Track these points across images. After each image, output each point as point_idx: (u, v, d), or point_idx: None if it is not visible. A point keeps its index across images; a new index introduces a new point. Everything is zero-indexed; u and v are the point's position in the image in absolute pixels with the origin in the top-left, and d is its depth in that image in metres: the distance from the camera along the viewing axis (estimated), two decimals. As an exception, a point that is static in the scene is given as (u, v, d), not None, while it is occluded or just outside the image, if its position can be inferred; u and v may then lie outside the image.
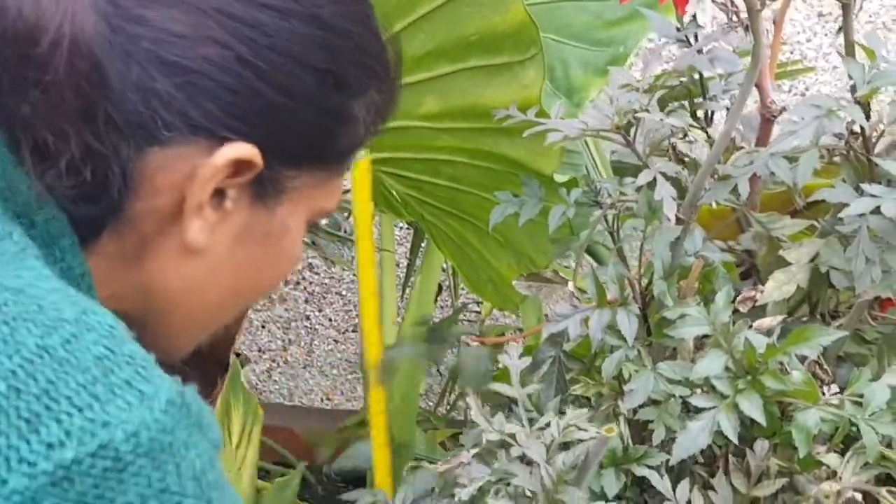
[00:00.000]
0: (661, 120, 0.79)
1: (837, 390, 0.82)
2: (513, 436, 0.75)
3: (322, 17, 0.58)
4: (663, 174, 0.77)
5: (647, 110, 0.78)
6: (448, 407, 2.29)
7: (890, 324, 0.90)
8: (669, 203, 0.75)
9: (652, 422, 0.77)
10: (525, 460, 0.72)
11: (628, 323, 0.77)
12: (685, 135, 0.86)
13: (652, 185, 0.78)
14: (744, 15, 0.78)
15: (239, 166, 0.57)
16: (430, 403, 2.38)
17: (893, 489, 0.75)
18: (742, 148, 0.92)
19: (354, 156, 0.65)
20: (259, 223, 0.61)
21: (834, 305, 0.94)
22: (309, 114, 0.59)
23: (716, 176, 0.81)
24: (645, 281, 0.82)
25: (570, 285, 0.85)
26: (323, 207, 0.65)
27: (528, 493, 0.70)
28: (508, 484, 0.71)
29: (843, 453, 0.79)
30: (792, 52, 2.06)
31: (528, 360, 0.80)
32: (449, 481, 0.82)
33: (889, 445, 0.76)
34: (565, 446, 0.72)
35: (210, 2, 0.55)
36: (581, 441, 0.72)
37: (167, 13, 0.54)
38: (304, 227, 0.65)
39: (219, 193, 0.58)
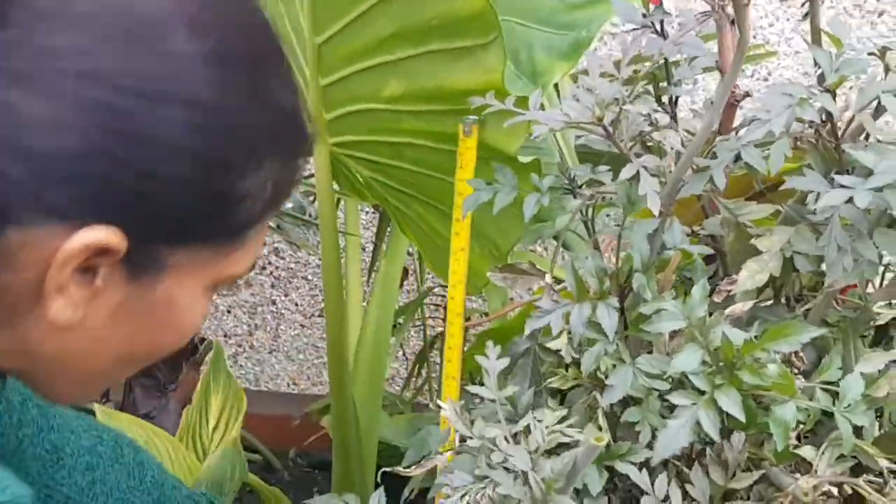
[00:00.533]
0: (648, 114, 0.78)
1: (798, 372, 0.82)
2: (493, 440, 0.74)
3: (200, 101, 0.55)
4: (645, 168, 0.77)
5: (630, 101, 0.77)
6: (414, 391, 2.29)
7: (851, 307, 0.91)
8: (653, 198, 0.75)
9: (636, 422, 0.76)
10: (506, 463, 0.71)
11: (608, 317, 0.76)
12: (670, 124, 0.86)
13: (634, 177, 0.77)
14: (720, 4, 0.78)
15: (100, 249, 0.55)
16: (396, 388, 2.38)
17: (870, 479, 0.75)
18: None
19: (255, 229, 0.62)
20: (139, 298, 0.59)
21: (798, 289, 0.95)
22: (182, 199, 0.56)
23: (693, 167, 0.81)
24: (622, 273, 0.82)
25: (548, 277, 0.84)
26: (227, 275, 0.62)
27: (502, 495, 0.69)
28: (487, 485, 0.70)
29: (810, 438, 0.80)
30: (754, 37, 2.07)
31: (506, 361, 0.79)
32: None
33: (860, 432, 0.77)
34: (549, 452, 0.72)
35: (72, 87, 0.53)
36: (564, 444, 0.72)
37: (24, 97, 0.52)
38: (205, 293, 0.62)
39: (89, 270, 0.56)
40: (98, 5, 0.54)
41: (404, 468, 0.85)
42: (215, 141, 0.56)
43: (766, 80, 2.15)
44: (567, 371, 0.84)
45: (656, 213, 0.77)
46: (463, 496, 0.69)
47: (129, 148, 0.53)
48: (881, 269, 0.93)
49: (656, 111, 0.91)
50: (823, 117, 0.84)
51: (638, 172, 0.77)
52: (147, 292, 0.59)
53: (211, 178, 0.57)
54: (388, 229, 1.86)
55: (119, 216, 0.54)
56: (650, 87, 0.95)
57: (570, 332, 0.87)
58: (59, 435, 0.80)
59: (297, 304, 2.38)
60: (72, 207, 0.53)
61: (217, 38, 0.56)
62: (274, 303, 2.38)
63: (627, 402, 0.79)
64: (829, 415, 0.77)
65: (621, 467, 0.74)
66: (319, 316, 2.39)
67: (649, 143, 0.93)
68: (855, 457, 0.77)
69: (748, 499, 0.78)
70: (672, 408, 0.75)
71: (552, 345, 0.85)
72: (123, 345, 0.61)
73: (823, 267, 0.88)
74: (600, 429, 0.78)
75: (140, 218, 0.55)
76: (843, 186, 0.74)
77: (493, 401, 0.78)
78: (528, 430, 0.75)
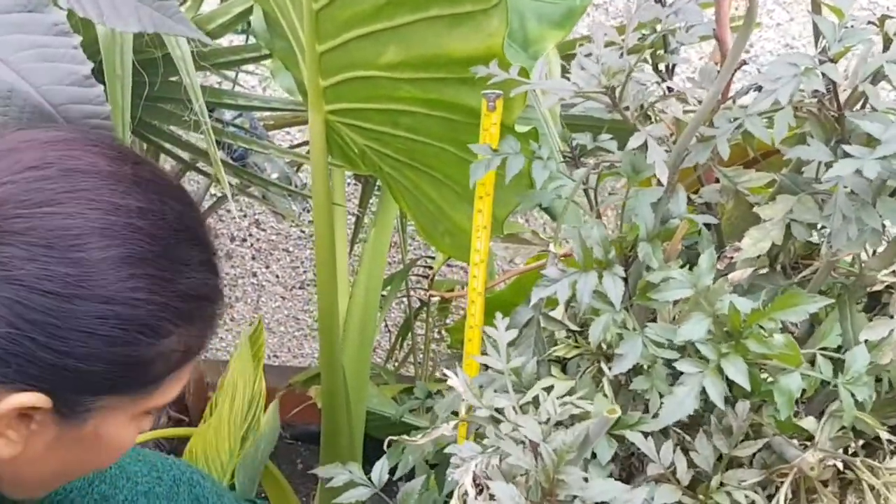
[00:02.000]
0: (656, 83, 0.78)
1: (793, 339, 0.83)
2: (501, 411, 0.74)
3: (107, 296, 0.69)
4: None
5: (636, 70, 0.77)
6: (397, 363, 2.29)
7: (845, 275, 0.92)
8: (661, 167, 0.75)
9: (645, 390, 0.76)
10: (515, 434, 0.71)
11: (615, 287, 0.76)
12: (678, 95, 0.86)
13: (640, 146, 0.77)
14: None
15: (29, 408, 0.69)
16: (379, 360, 2.38)
17: (867, 461, 0.76)
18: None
19: (173, 375, 0.75)
20: (68, 433, 0.73)
21: (793, 257, 0.95)
22: (96, 368, 0.70)
23: (697, 136, 0.80)
24: (627, 243, 0.82)
25: (552, 247, 0.84)
26: (152, 406, 0.76)
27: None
28: (500, 457, 0.70)
29: (808, 405, 0.81)
30: (736, 9, 2.08)
31: (514, 333, 0.79)
32: (427, 449, 0.82)
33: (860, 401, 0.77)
34: (560, 423, 0.72)
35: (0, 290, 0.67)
36: (574, 415, 0.72)
37: None
38: (133, 422, 0.76)
39: (26, 416, 0.71)
40: (30, 223, 0.68)
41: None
42: (122, 325, 0.69)
43: (747, 52, 2.16)
44: (570, 340, 0.85)
45: (664, 182, 0.77)
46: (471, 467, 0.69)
47: (48, 332, 0.68)
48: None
49: (655, 82, 0.92)
50: (826, 87, 0.84)
51: (645, 142, 0.77)
52: (75, 430, 0.73)
53: (120, 353, 0.70)
54: (371, 201, 1.85)
55: (43, 382, 0.69)
56: (647, 56, 0.95)
57: (568, 302, 0.87)
58: (111, 485, 0.96)
59: (277, 276, 2.37)
60: (6, 376, 0.68)
61: (125, 243, 0.70)
62: (254, 275, 2.37)
63: (630, 371, 0.80)
64: (827, 381, 0.78)
65: (631, 436, 0.74)
66: (300, 288, 2.38)
67: (649, 112, 0.93)
68: (855, 427, 0.78)
69: (751, 466, 0.78)
70: (677, 375, 0.75)
71: (555, 314, 0.85)
72: (61, 465, 0.76)
73: (815, 236, 0.89)
74: (605, 397, 0.78)
75: (60, 383, 0.69)
76: (848, 156, 0.74)
77: (500, 372, 0.78)
78: (535, 400, 0.75)
